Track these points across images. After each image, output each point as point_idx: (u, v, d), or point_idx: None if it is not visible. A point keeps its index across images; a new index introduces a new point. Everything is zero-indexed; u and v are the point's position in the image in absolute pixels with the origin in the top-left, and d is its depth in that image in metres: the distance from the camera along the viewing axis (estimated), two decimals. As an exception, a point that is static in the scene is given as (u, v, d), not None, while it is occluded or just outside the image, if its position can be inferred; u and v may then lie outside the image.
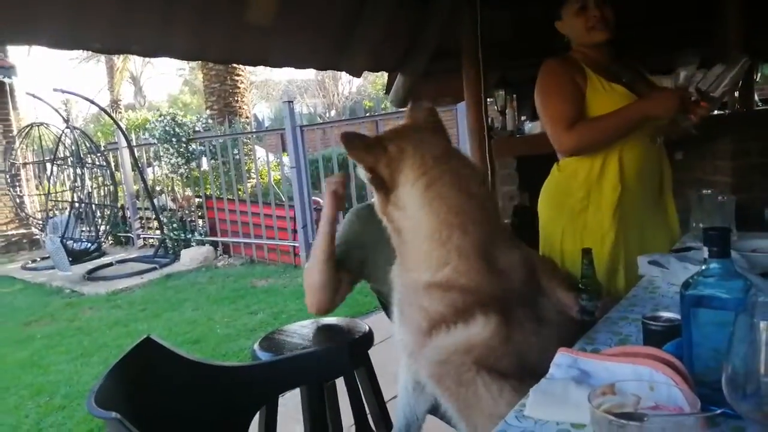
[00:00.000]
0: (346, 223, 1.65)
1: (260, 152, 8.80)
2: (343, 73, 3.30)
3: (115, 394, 1.16)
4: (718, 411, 0.69)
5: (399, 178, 1.21)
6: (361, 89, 21.56)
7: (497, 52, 3.37)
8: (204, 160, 7.58)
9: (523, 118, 3.34)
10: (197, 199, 7.53)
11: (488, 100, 3.26)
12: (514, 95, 3.36)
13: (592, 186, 1.80)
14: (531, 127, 3.21)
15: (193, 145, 7.45)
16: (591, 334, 1.13)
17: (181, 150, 7.37)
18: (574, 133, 1.73)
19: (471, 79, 3.11)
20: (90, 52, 15.10)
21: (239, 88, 9.52)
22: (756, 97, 3.14)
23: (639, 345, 0.97)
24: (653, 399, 0.73)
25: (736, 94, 2.94)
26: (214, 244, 7.12)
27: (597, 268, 1.73)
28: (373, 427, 1.80)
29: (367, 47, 3.14)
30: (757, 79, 3.22)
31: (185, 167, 7.45)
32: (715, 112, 2.57)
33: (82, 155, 7.99)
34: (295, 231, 6.21)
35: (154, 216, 7.68)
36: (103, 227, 8.35)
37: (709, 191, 1.65)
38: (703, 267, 0.81)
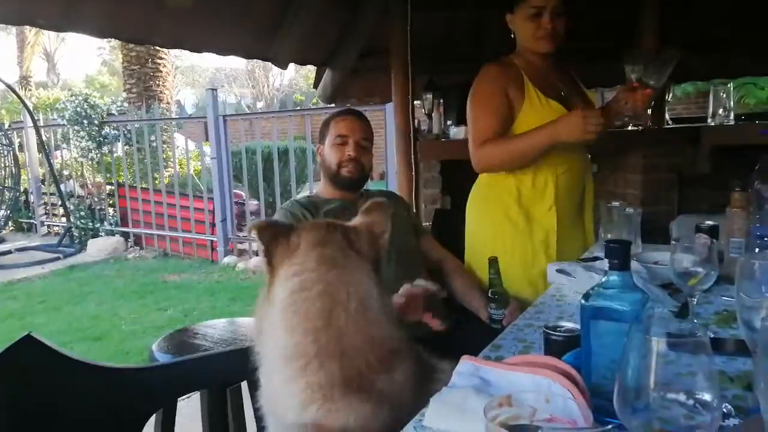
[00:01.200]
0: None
1: (180, 141, 8.45)
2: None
3: (-15, 398, 1.05)
4: (610, 426, 0.69)
5: (280, 270, 1.01)
6: (293, 82, 21.22)
7: (427, 55, 3.38)
8: (118, 145, 7.18)
9: (449, 122, 3.36)
10: (108, 187, 7.12)
11: (416, 102, 3.26)
12: (441, 99, 3.38)
13: (528, 204, 1.80)
14: (456, 132, 3.23)
15: (107, 129, 7.04)
16: (497, 341, 1.13)
17: (93, 133, 6.94)
18: (481, 152, 1.73)
19: (399, 81, 3.10)
20: (-2, 23, 13.99)
21: (161, 72, 9.08)
22: (667, 116, 3.31)
23: (541, 353, 0.97)
24: (549, 411, 0.72)
25: (649, 111, 3.09)
26: (125, 235, 6.76)
27: (530, 280, 1.74)
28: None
29: (295, 39, 3.07)
30: (669, 99, 3.40)
31: (96, 152, 7.02)
32: (630, 127, 2.69)
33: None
34: (213, 224, 6.01)
35: (60, 202, 7.20)
36: (2, 212, 7.74)
37: (618, 203, 1.71)
38: (604, 278, 0.82)
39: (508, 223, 1.81)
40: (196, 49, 2.65)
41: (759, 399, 0.61)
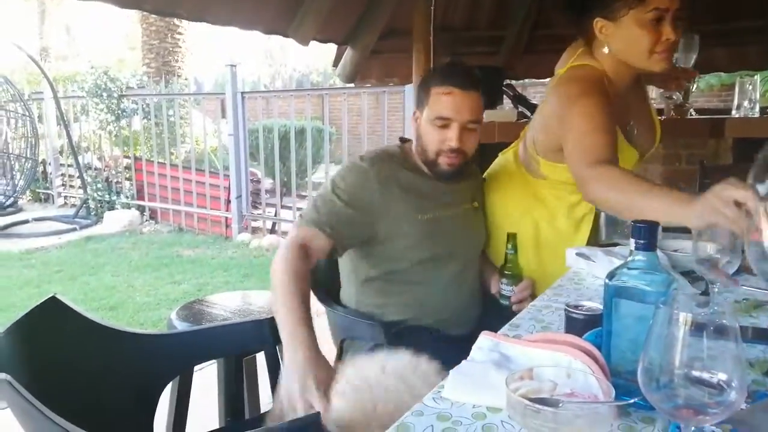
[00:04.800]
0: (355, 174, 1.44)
1: (197, 117, 8.48)
2: (292, 44, 3.18)
3: (11, 354, 1.07)
4: (631, 401, 0.70)
5: None
6: (310, 63, 21.12)
7: (447, 37, 3.35)
8: (136, 119, 7.22)
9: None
10: (125, 160, 7.16)
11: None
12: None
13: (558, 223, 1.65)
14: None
15: (126, 102, 7.08)
16: (515, 320, 1.13)
17: (112, 106, 6.99)
18: (595, 173, 1.28)
19: (421, 62, 3.08)
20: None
21: (180, 47, 9.10)
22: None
23: (560, 333, 0.97)
24: (569, 386, 0.73)
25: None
26: (141, 209, 6.81)
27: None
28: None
29: (316, 16, 3.05)
30: (693, 90, 3.34)
31: (115, 125, 7.07)
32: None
33: (2, 102, 7.45)
34: (228, 201, 6.04)
35: (77, 174, 7.27)
36: (21, 182, 7.83)
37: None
38: (629, 258, 0.82)
39: (529, 222, 1.66)
40: (219, 22, 2.64)
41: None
